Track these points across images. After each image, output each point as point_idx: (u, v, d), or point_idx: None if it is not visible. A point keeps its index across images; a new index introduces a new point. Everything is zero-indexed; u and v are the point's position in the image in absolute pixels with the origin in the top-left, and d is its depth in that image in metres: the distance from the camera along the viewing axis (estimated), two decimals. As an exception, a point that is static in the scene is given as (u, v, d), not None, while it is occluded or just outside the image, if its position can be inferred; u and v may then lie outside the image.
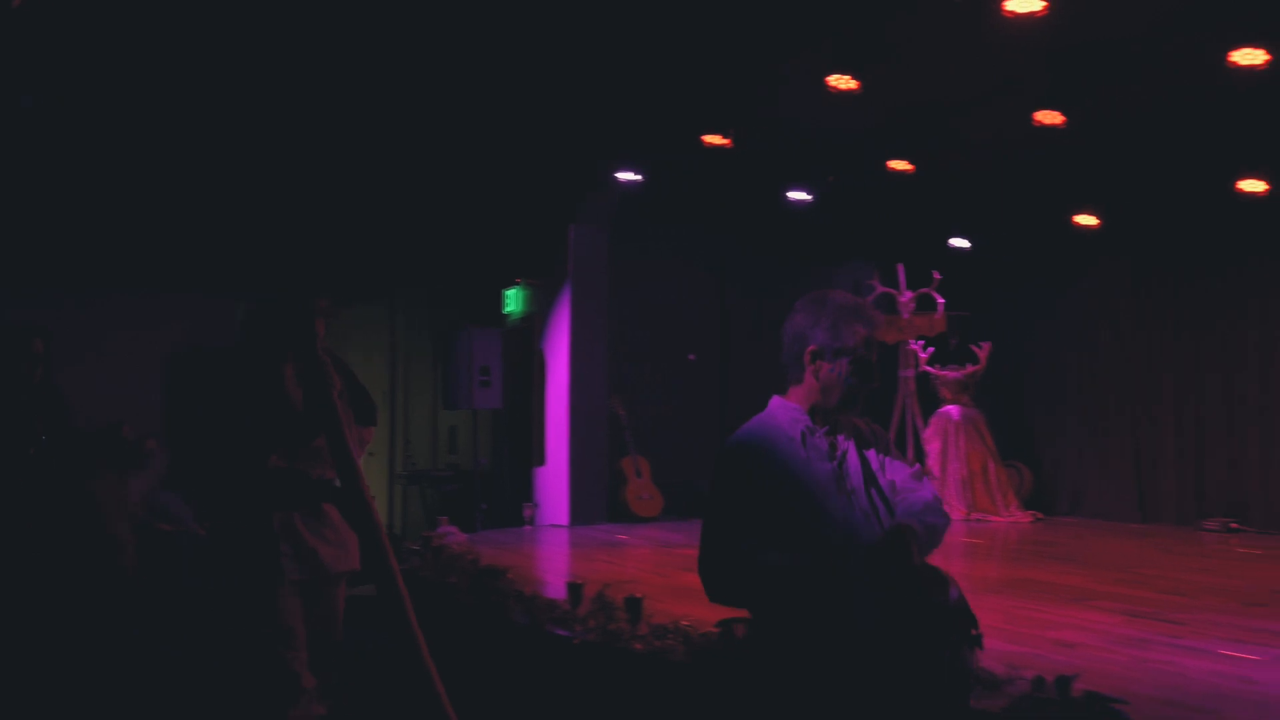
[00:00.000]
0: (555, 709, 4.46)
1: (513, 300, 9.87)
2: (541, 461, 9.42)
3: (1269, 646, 4.32)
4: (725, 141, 7.50)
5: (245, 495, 3.34)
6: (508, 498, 9.25)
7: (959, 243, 9.98)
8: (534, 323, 9.64)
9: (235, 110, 6.91)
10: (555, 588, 5.29)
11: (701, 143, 7.50)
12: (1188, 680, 3.83)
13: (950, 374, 9.92)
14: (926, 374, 10.05)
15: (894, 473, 2.66)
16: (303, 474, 3.39)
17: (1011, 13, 5.24)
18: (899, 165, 8.03)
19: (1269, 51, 5.58)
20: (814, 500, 2.50)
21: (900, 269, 10.23)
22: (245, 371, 3.41)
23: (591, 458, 9.25)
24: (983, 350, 9.85)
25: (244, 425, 3.31)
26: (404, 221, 9.10)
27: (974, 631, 2.43)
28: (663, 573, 6.38)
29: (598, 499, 9.27)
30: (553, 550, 7.85)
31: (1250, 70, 5.78)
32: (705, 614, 3.92)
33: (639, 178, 8.53)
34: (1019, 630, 4.57)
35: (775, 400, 2.69)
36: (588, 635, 4.33)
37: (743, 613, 2.69)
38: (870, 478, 2.62)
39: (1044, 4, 5.16)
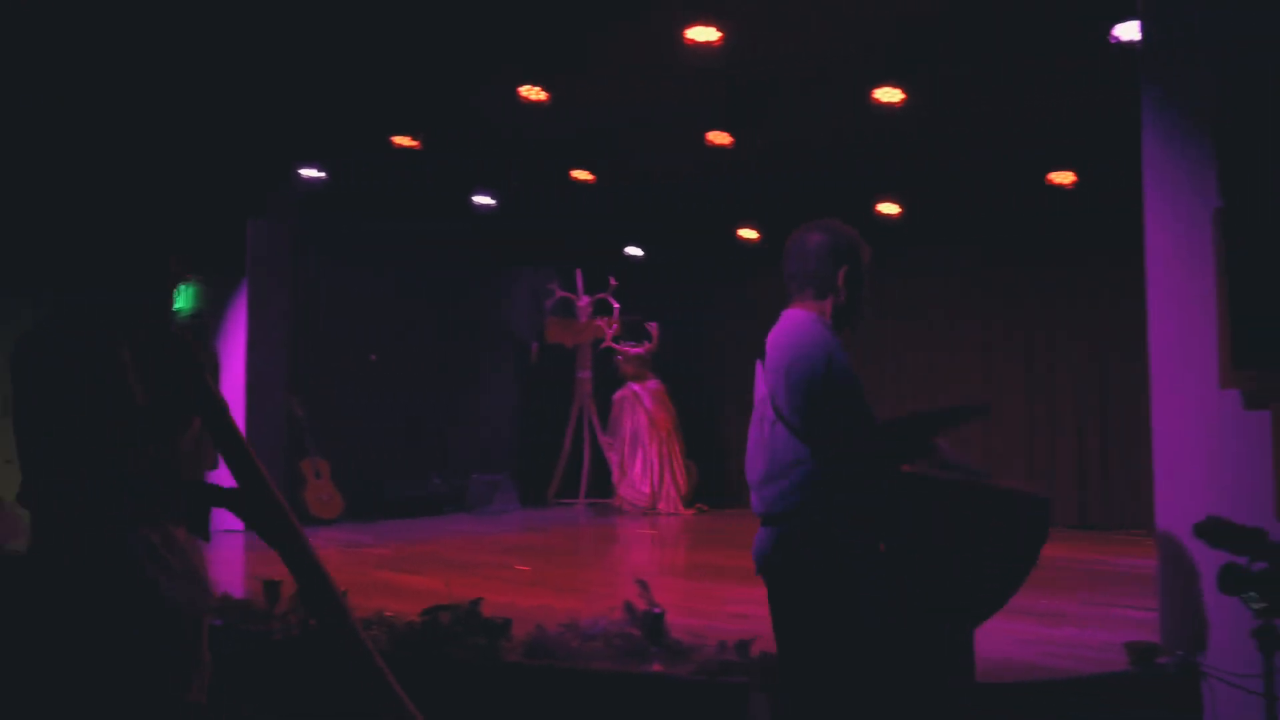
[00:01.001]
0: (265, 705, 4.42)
1: (182, 298, 9.41)
2: (214, 465, 9.04)
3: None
4: (414, 143, 7.59)
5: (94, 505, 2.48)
6: (179, 502, 8.83)
7: (634, 251, 10.53)
8: (206, 320, 9.26)
9: None
10: (241, 590, 5.24)
11: (390, 143, 7.56)
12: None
13: (631, 349, 10.39)
14: (611, 363, 10.45)
15: None
16: (174, 476, 2.63)
17: (691, 40, 5.70)
18: (581, 175, 8.42)
19: (905, 92, 6.38)
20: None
21: (579, 274, 10.67)
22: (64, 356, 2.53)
23: (268, 460, 8.96)
24: (653, 327, 10.40)
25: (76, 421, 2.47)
26: (54, 214, 8.50)
27: None
28: (357, 571, 6.39)
29: (275, 501, 9.01)
30: (229, 554, 7.60)
31: (889, 106, 6.59)
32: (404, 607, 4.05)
33: (323, 175, 8.43)
34: (698, 606, 5.00)
35: (805, 314, 2.83)
36: (290, 632, 4.33)
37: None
38: None
39: (719, 35, 5.66)
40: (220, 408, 2.65)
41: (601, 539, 8.73)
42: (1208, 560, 3.24)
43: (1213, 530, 3.17)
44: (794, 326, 2.82)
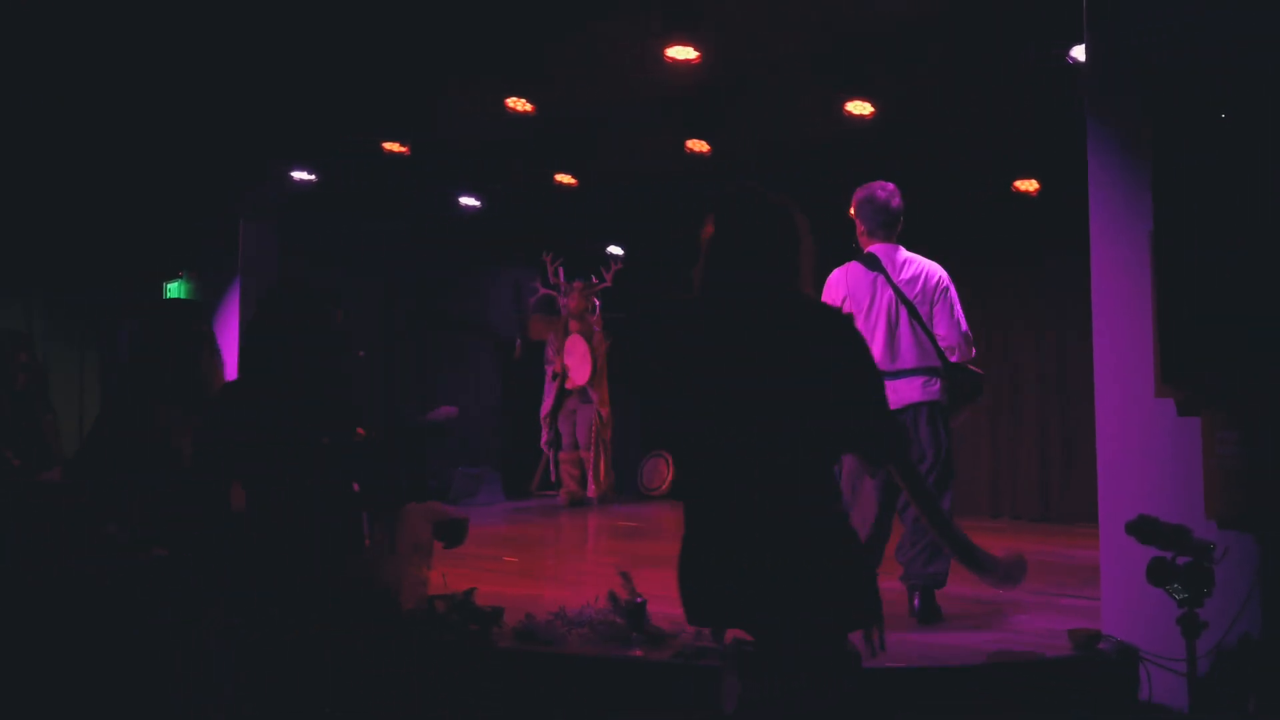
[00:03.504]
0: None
1: (175, 293, 9.65)
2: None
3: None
4: (403, 149, 7.85)
5: None
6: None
7: (615, 249, 10.81)
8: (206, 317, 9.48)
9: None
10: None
11: (380, 149, 7.82)
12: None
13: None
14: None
15: None
16: None
17: (671, 59, 6.00)
18: (564, 179, 8.70)
19: (875, 106, 6.69)
20: None
21: (560, 271, 10.93)
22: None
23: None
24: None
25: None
26: (47, 217, 8.72)
27: None
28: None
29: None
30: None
31: (860, 118, 6.90)
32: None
33: (313, 177, 8.68)
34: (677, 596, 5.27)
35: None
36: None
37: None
38: None
39: (697, 55, 5.96)
40: None
41: (582, 530, 9.03)
42: (1145, 554, 3.55)
43: (1142, 528, 3.51)
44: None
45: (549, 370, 10.39)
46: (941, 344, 4.58)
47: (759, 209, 2.65)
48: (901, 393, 4.52)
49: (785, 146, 7.65)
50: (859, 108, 6.76)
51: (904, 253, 4.69)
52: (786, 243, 2.63)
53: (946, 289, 4.65)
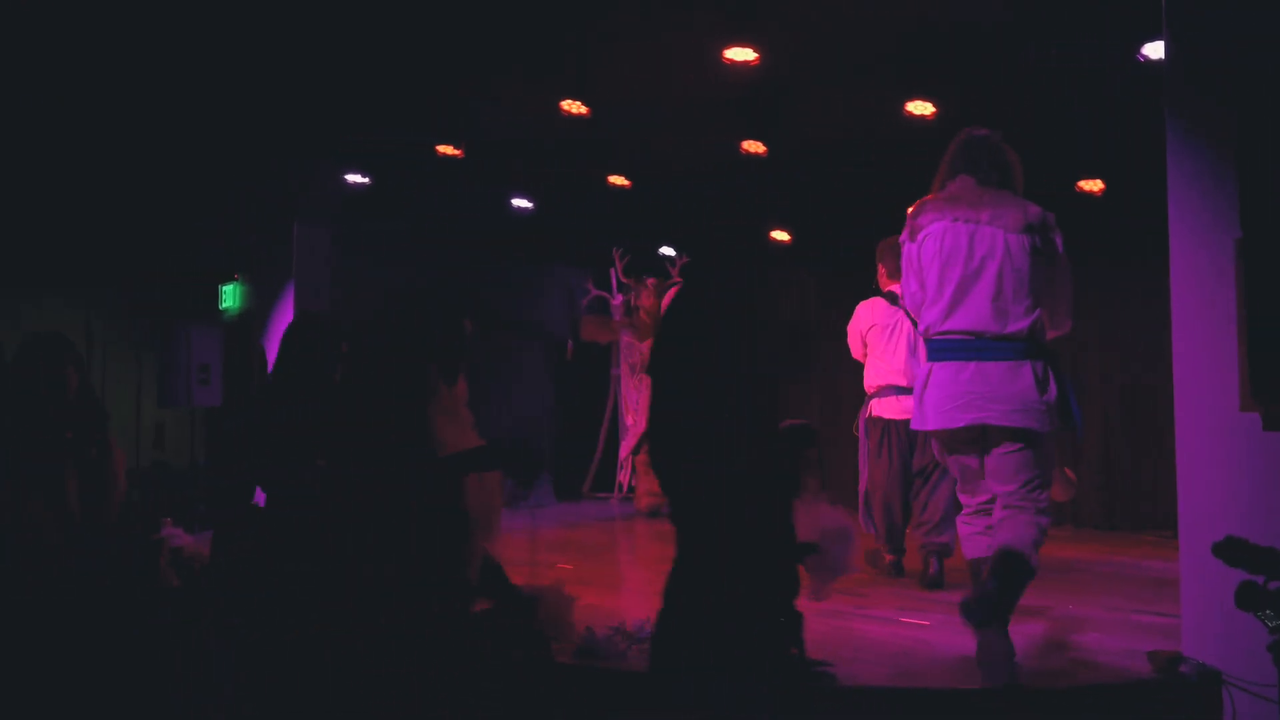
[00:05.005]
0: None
1: (230, 296, 9.70)
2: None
3: (939, 614, 5.13)
4: (457, 152, 7.81)
5: None
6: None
7: (667, 251, 10.72)
8: (253, 319, 9.53)
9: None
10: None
11: (434, 151, 7.78)
12: (876, 643, 4.56)
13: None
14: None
15: None
16: None
17: (730, 60, 5.89)
18: (617, 180, 8.61)
19: (937, 106, 6.54)
20: None
21: (612, 273, 10.87)
22: None
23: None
24: None
25: None
26: (104, 219, 8.80)
27: None
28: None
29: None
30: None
31: (921, 118, 6.75)
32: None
33: (366, 180, 8.67)
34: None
35: None
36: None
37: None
38: None
39: (756, 55, 5.84)
40: None
41: (635, 534, 8.95)
42: (1229, 575, 3.40)
43: (1230, 550, 3.34)
44: None
45: (625, 368, 10.30)
46: None
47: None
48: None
49: (842, 146, 7.52)
50: (920, 107, 6.61)
51: None
52: None
53: None
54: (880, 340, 6.26)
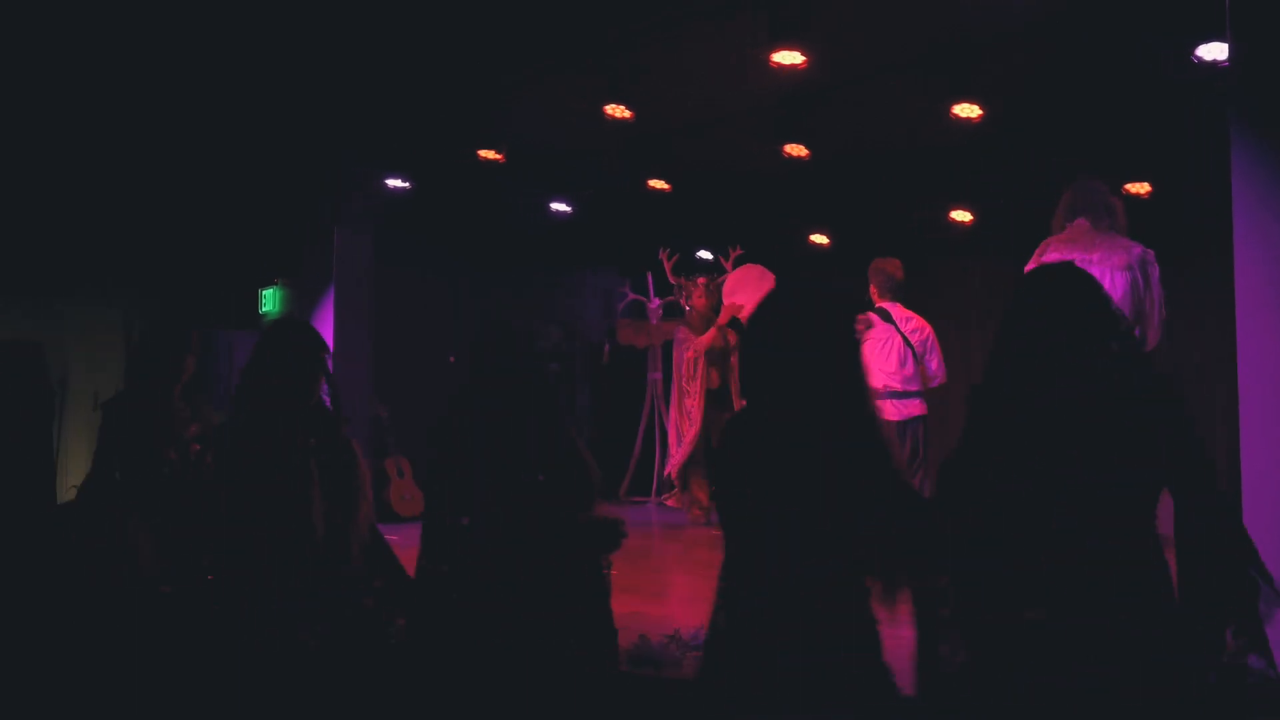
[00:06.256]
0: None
1: (270, 301, 9.76)
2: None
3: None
4: (498, 157, 7.82)
5: None
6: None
7: (705, 255, 10.70)
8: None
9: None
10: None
11: (476, 156, 7.80)
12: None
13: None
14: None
15: None
16: None
17: (777, 64, 5.86)
18: (658, 184, 8.60)
19: (983, 108, 6.49)
20: None
21: (650, 277, 10.86)
22: None
23: (354, 459, 9.27)
24: None
25: None
26: (145, 221, 8.87)
27: None
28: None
29: (360, 500, 9.31)
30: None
31: (967, 120, 6.70)
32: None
33: (408, 185, 8.70)
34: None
35: None
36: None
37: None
38: None
39: (804, 59, 5.82)
40: None
41: (676, 539, 8.93)
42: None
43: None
44: None
45: (675, 374, 10.19)
46: (932, 379, 6.59)
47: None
48: (909, 408, 6.46)
49: (886, 149, 7.49)
50: (966, 110, 6.56)
51: (903, 309, 6.65)
52: None
53: (933, 338, 6.62)
54: (876, 350, 6.74)
